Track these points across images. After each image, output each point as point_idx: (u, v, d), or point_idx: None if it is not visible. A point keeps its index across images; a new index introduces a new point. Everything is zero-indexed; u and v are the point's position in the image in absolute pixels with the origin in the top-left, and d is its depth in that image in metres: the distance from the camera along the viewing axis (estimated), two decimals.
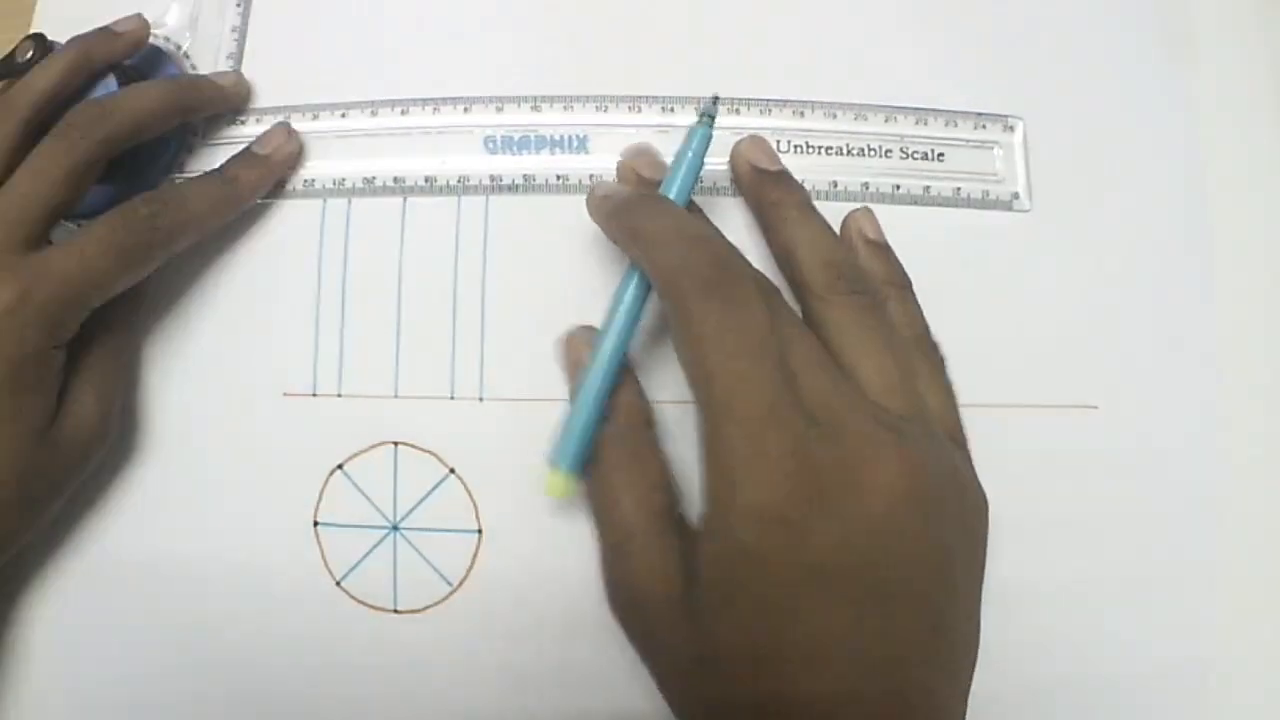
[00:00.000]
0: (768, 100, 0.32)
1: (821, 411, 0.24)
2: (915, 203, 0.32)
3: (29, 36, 0.31)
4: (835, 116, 0.32)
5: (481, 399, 0.30)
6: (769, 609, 0.23)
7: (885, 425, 0.24)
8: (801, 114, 0.32)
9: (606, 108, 0.32)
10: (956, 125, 0.32)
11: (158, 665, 0.30)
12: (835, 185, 0.32)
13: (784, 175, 0.30)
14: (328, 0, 0.34)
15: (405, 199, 0.32)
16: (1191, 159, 0.32)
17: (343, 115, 0.33)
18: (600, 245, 0.31)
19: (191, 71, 0.34)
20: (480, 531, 0.30)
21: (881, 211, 0.31)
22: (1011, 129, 0.32)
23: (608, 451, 0.27)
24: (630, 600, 0.25)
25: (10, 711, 0.30)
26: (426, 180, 0.32)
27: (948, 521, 0.24)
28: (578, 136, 0.32)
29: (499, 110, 0.33)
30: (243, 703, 0.30)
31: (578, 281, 0.31)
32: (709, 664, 0.23)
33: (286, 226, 0.32)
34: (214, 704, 0.30)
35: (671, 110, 0.32)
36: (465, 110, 0.33)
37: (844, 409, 0.24)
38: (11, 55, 0.31)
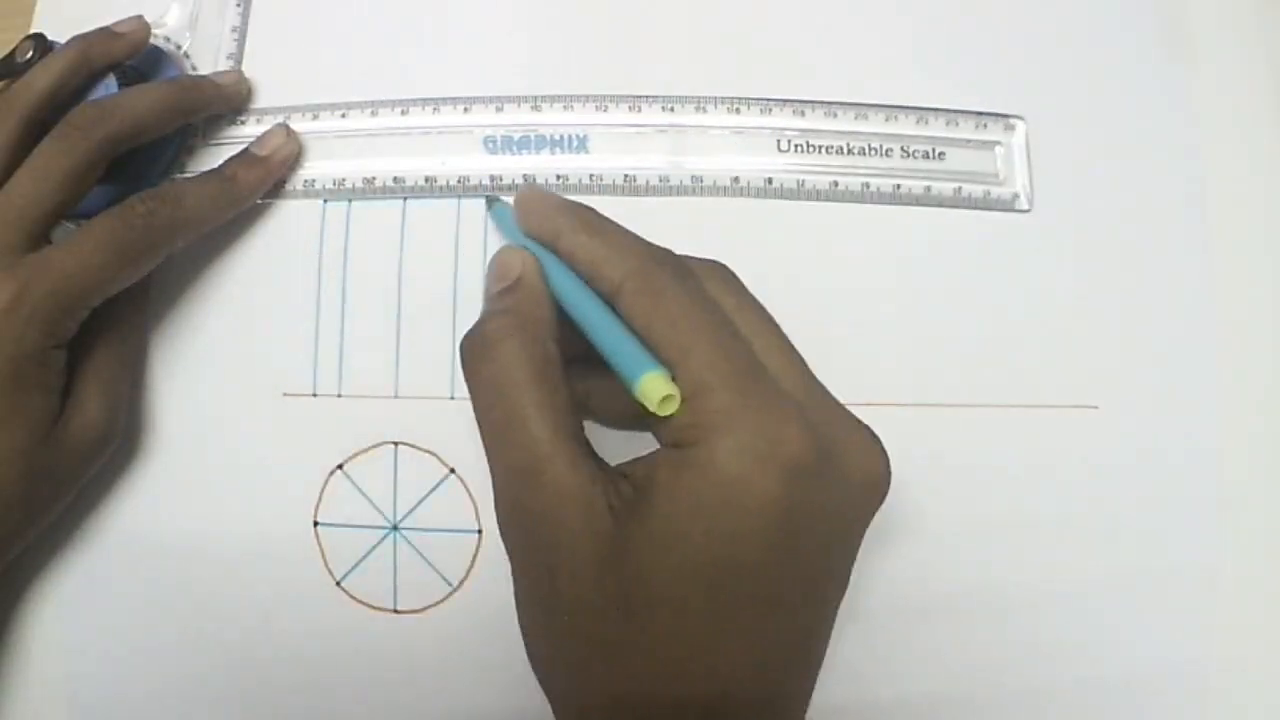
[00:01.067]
0: (768, 99, 0.32)
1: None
2: (916, 203, 0.32)
3: (29, 36, 0.31)
4: (836, 116, 0.32)
5: None
6: (723, 557, 0.21)
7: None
8: (802, 113, 0.32)
9: (606, 107, 0.32)
10: (958, 125, 0.32)
11: (158, 664, 0.30)
12: (836, 185, 0.32)
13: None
14: (328, 0, 0.34)
15: (405, 199, 0.32)
16: (1191, 159, 0.32)
17: (343, 115, 0.33)
18: None
19: (192, 72, 0.34)
20: (480, 531, 0.30)
21: (882, 211, 0.31)
22: (1012, 128, 0.32)
23: (512, 367, 0.23)
24: (539, 531, 0.22)
25: (11, 711, 0.30)
26: (427, 180, 0.32)
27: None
28: (578, 136, 0.32)
29: (499, 110, 0.33)
30: (243, 702, 0.30)
31: None
32: (622, 607, 0.22)
33: (286, 226, 0.32)
34: (214, 703, 0.30)
35: (671, 110, 0.32)
36: (465, 110, 0.33)
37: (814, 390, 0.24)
38: (11, 55, 0.31)
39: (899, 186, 0.32)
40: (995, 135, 0.32)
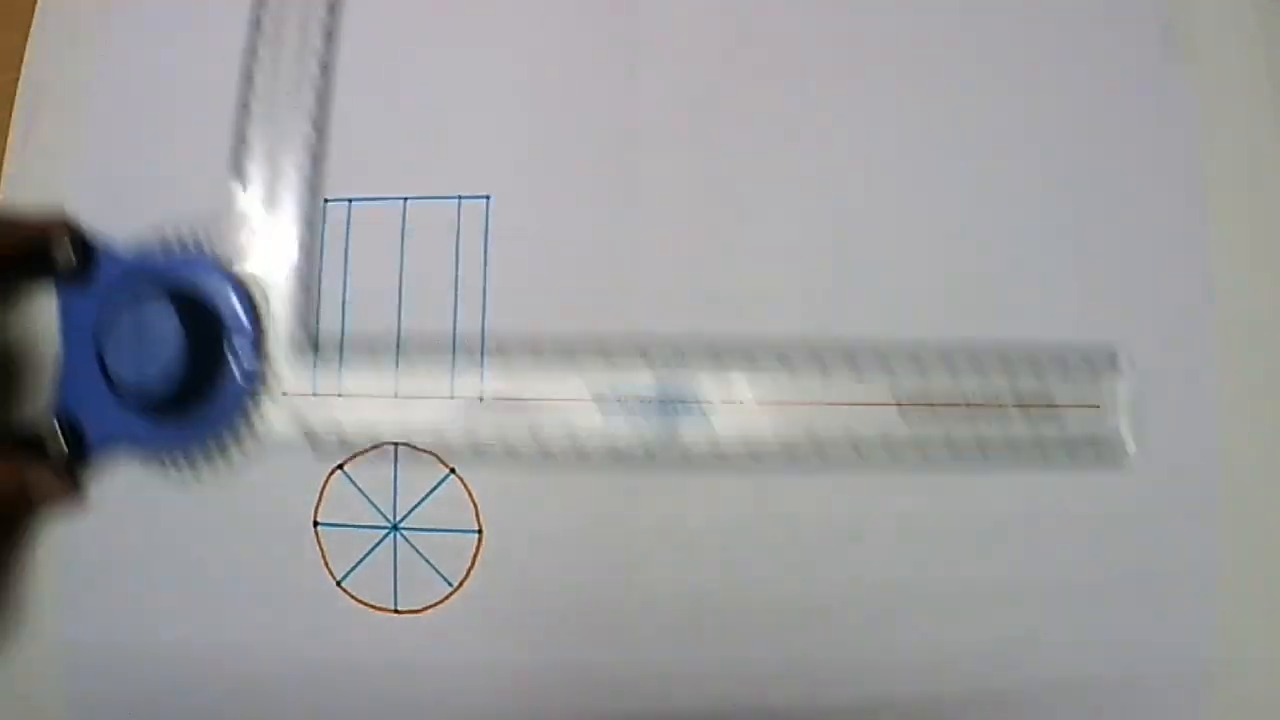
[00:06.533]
0: (887, 354, 0.32)
1: None
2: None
3: (65, 230, 0.30)
4: None
5: (481, 399, 0.30)
6: None
7: None
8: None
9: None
10: None
11: (157, 664, 0.30)
12: None
13: None
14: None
15: (406, 199, 0.32)
16: (1191, 159, 0.32)
17: None
18: (601, 244, 0.31)
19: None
20: (480, 531, 0.30)
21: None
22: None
23: None
24: None
25: (10, 709, 0.30)
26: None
27: None
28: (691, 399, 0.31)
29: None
30: (243, 702, 0.30)
31: (579, 281, 0.31)
32: None
33: (286, 226, 0.32)
34: (213, 703, 0.30)
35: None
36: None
37: None
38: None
39: None
40: None
